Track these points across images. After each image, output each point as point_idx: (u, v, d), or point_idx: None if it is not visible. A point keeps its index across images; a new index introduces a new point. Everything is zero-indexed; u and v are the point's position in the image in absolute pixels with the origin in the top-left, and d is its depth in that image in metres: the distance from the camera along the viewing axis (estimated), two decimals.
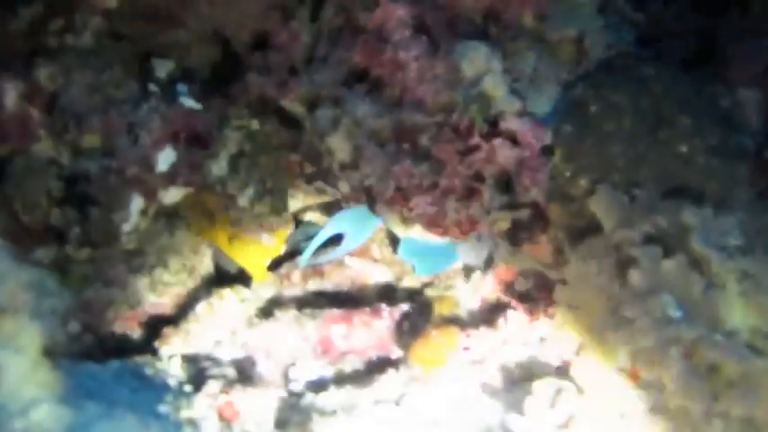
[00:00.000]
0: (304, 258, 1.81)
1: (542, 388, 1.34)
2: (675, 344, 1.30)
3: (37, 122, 1.65)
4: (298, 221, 1.93)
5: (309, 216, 1.94)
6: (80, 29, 1.66)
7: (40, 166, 1.65)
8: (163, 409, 1.24)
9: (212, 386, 1.38)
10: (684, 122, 1.54)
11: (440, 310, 1.75)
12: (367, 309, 1.73)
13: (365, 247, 1.97)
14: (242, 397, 1.37)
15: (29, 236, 1.67)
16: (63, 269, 1.70)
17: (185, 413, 1.26)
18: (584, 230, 1.49)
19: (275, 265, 1.91)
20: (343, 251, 1.86)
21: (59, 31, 1.66)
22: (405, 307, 1.76)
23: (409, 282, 1.93)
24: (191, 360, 1.57)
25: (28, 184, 1.64)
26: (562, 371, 1.41)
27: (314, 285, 1.89)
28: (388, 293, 1.88)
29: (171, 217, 1.81)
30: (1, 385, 0.94)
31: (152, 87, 1.71)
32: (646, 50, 1.65)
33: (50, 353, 1.41)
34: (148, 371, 1.46)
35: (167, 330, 1.65)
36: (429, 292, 1.84)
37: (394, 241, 2.00)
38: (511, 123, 1.58)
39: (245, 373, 1.53)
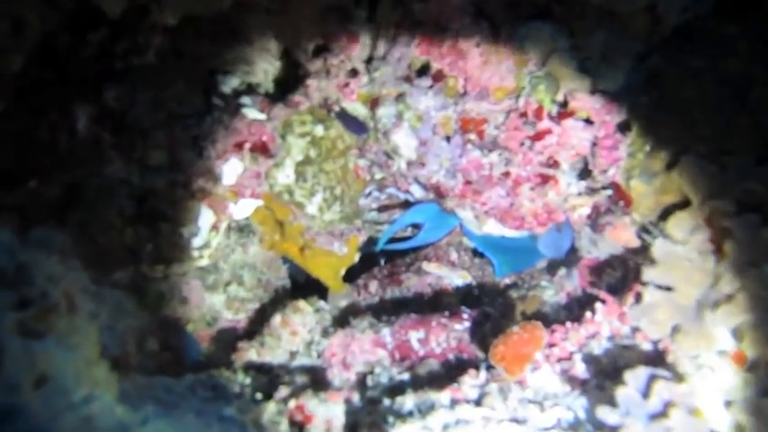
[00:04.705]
0: (381, 240, 1.76)
1: (635, 377, 1.22)
2: None
3: (108, 144, 1.66)
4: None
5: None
6: (143, 49, 1.67)
7: (111, 186, 1.66)
8: (228, 412, 1.19)
9: (283, 392, 1.33)
10: None
11: (523, 309, 1.65)
12: (446, 312, 1.64)
13: (443, 252, 1.90)
14: (314, 402, 1.30)
15: (106, 258, 1.68)
16: (140, 289, 1.70)
17: (252, 416, 1.21)
18: (671, 206, 1.37)
19: (351, 276, 1.86)
20: (419, 241, 1.80)
21: (124, 53, 1.68)
22: (486, 309, 1.66)
23: (491, 284, 1.83)
24: (265, 371, 1.53)
25: (101, 205, 1.65)
26: (656, 358, 1.28)
27: (392, 294, 1.82)
28: (468, 297, 1.79)
29: (243, 232, 1.79)
30: (53, 380, 0.92)
31: (216, 101, 1.71)
32: (728, 12, 1.52)
33: (123, 368, 1.40)
34: (221, 382, 1.42)
35: (242, 344, 1.62)
36: (512, 293, 1.74)
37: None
38: (582, 102, 1.49)
39: (318, 381, 1.47)
